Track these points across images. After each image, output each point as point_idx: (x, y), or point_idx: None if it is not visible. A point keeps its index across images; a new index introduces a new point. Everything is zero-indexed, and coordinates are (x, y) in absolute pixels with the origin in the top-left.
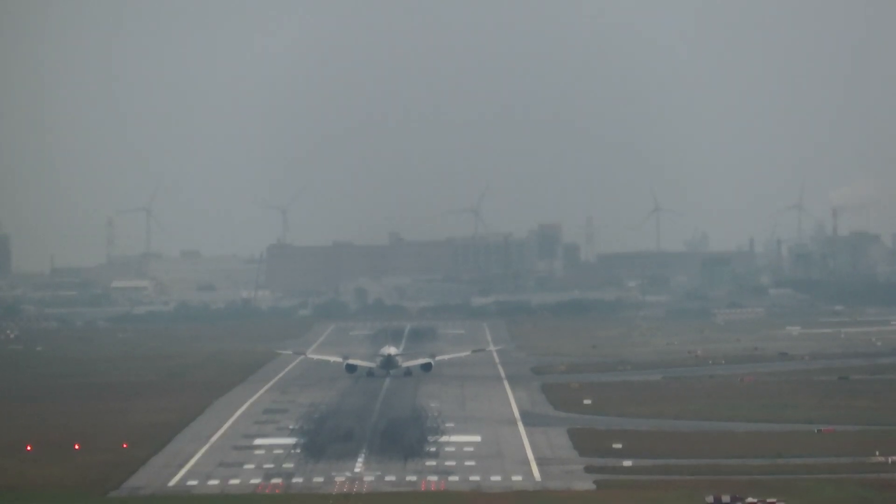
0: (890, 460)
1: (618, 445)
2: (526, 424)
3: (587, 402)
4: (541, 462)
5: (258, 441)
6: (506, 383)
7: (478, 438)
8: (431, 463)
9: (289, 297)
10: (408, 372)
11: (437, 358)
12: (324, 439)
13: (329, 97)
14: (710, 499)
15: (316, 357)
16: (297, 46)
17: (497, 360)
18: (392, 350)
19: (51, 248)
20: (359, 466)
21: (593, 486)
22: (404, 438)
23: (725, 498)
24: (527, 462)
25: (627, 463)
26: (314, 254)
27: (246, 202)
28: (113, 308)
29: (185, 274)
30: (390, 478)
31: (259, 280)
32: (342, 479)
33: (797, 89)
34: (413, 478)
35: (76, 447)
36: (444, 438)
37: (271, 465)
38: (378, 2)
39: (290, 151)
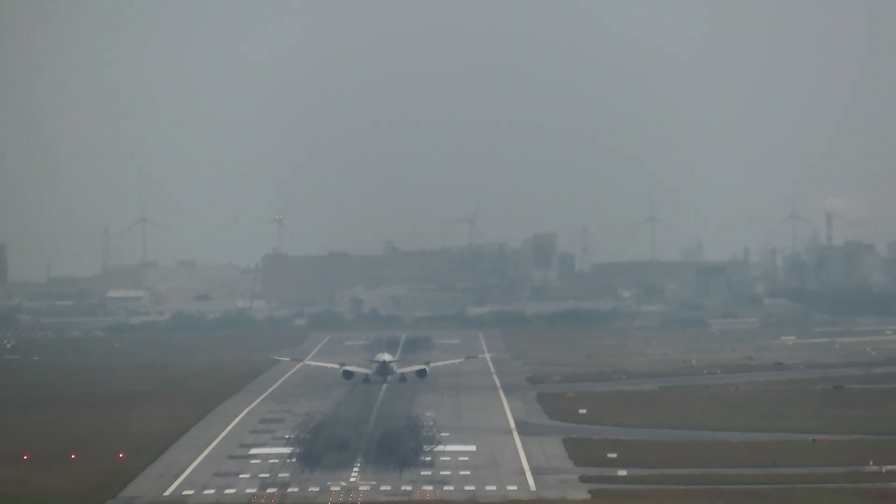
0: (884, 469)
1: (613, 455)
2: (521, 434)
3: (582, 411)
4: (536, 471)
5: (254, 451)
6: (501, 393)
7: (473, 448)
8: (427, 472)
9: (284, 307)
10: (403, 378)
11: (432, 365)
12: (319, 449)
13: (324, 106)
14: None
15: (313, 364)
16: (291, 56)
17: (493, 369)
18: (387, 357)
19: (47, 257)
20: (354, 476)
21: (588, 496)
22: (400, 448)
23: None
24: (522, 472)
25: (622, 472)
26: (309, 263)
27: (242, 211)
28: (109, 318)
29: (181, 283)
30: (385, 487)
31: (255, 290)
32: (338, 488)
33: (794, 99)
34: (408, 487)
35: (73, 456)
36: (440, 448)
37: (267, 475)
38: (370, 11)
39: (286, 160)
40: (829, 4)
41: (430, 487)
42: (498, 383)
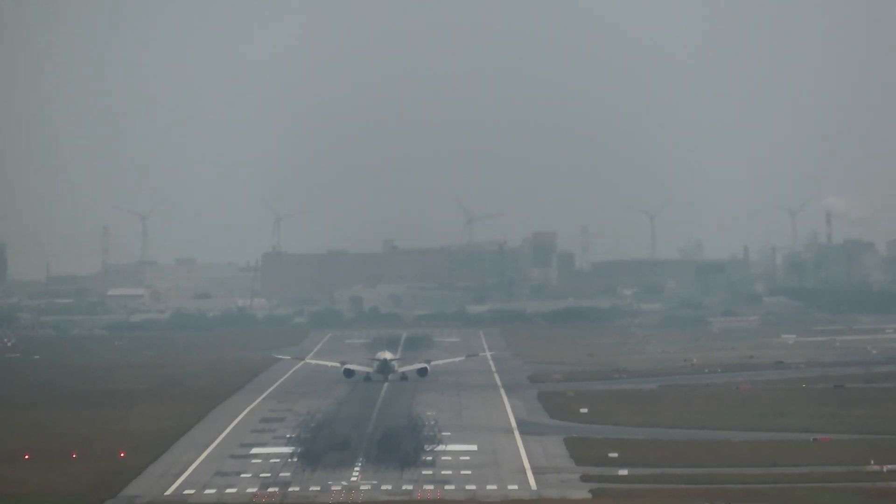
0: (885, 469)
1: (614, 454)
2: (522, 433)
3: (583, 410)
4: (537, 471)
5: (255, 450)
6: (502, 392)
7: (474, 447)
8: (428, 472)
9: (284, 305)
10: (404, 377)
11: (433, 363)
12: (321, 448)
13: (324, 106)
14: None
15: (314, 362)
16: (291, 55)
17: (493, 368)
18: (388, 355)
19: (47, 255)
20: (355, 475)
21: (589, 495)
22: (401, 447)
23: None
24: (523, 471)
25: (623, 472)
26: (309, 262)
27: (242, 210)
28: (109, 316)
29: (181, 282)
30: (387, 486)
31: (255, 288)
32: (339, 487)
33: (794, 98)
34: (409, 487)
35: (73, 455)
36: (441, 447)
37: (268, 475)
38: (370, 11)
39: (285, 159)
40: (829, 4)
41: (431, 487)
42: (499, 382)
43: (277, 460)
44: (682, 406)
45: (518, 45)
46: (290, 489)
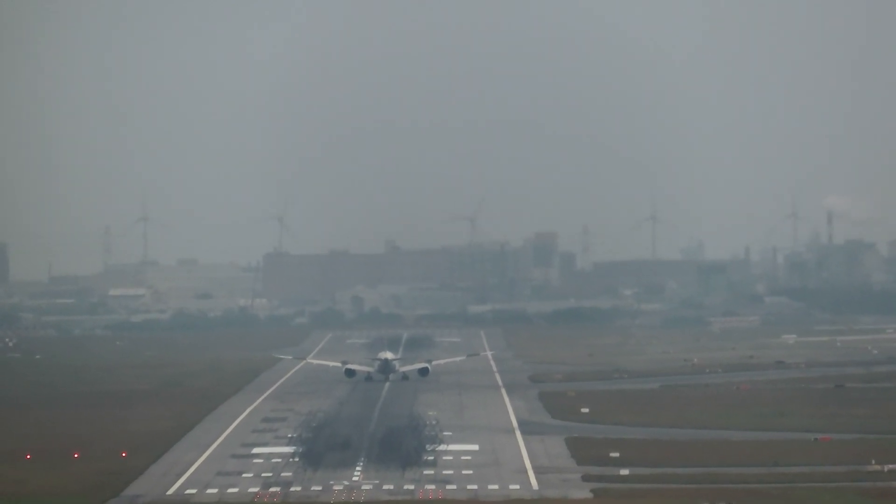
0: (886, 468)
1: (615, 454)
2: (523, 433)
3: (585, 410)
4: (538, 470)
5: (256, 450)
6: (503, 391)
7: (475, 447)
8: (429, 472)
9: (286, 306)
10: (405, 377)
11: (434, 363)
12: (322, 448)
13: (324, 106)
14: None
15: (316, 362)
16: (292, 55)
17: (494, 368)
18: (389, 355)
19: (48, 256)
20: (357, 475)
21: (590, 495)
22: (402, 447)
23: None
24: (524, 470)
25: (624, 471)
26: (310, 262)
27: (243, 210)
28: (110, 316)
29: (183, 282)
30: (388, 486)
31: (256, 288)
32: (340, 487)
33: (794, 99)
34: (411, 486)
35: (75, 455)
36: (442, 447)
37: (269, 474)
38: (370, 11)
39: (287, 159)
40: (829, 4)
41: (432, 486)
42: (500, 382)
43: (279, 460)
44: (682, 406)
45: (518, 45)
46: (292, 489)
